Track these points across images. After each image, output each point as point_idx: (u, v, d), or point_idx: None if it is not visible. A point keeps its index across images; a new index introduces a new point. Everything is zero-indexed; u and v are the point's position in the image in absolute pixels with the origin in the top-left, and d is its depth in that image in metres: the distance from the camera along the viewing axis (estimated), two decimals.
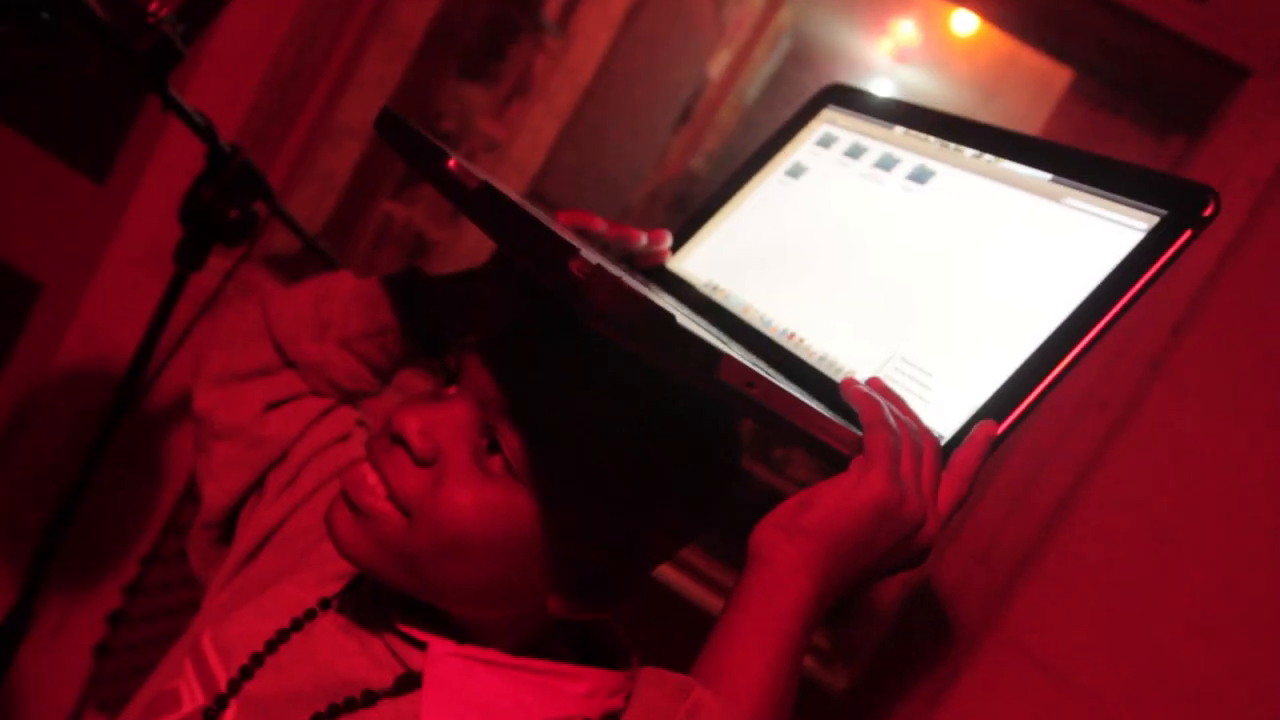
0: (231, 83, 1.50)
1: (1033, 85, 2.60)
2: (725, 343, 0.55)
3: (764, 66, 3.90)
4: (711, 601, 1.44)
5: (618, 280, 0.39)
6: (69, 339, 1.59)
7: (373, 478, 0.58)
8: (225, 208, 1.00)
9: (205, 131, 0.96)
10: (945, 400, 0.55)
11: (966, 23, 3.23)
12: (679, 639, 0.65)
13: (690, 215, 0.79)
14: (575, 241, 0.42)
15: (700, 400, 0.57)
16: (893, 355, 0.58)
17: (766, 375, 0.46)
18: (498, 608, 0.61)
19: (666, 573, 1.44)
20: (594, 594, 0.60)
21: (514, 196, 0.51)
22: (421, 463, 0.57)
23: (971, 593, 1.29)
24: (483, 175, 0.50)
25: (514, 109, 3.01)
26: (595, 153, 3.44)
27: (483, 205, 0.48)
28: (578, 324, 0.55)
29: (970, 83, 3.33)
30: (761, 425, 0.49)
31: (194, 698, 0.65)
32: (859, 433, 0.52)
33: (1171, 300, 1.25)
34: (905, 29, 3.41)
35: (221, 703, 0.64)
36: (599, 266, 0.39)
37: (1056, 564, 1.26)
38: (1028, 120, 2.66)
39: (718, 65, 3.78)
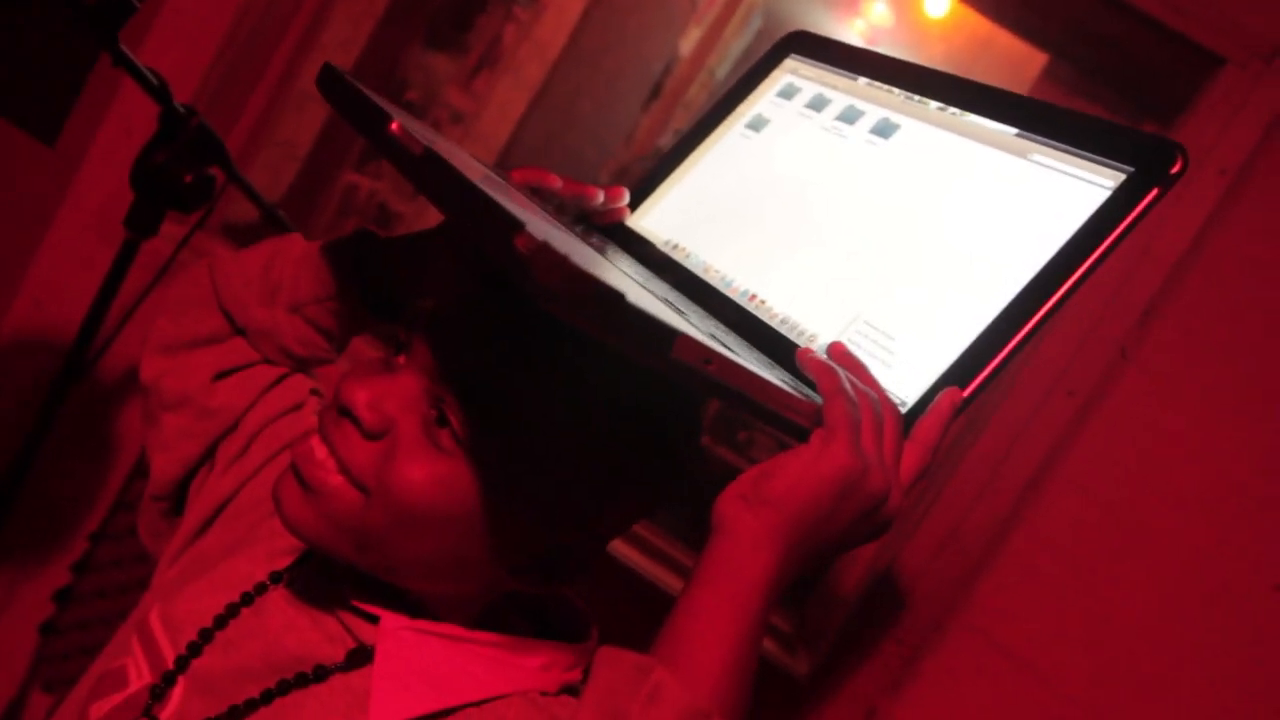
0: (189, 42, 1.45)
1: (1006, 69, 2.60)
2: (682, 313, 0.53)
3: (735, 44, 3.88)
4: (671, 581, 1.43)
5: (564, 258, 0.37)
6: (16, 306, 1.54)
7: (321, 452, 0.57)
8: (179, 172, 0.97)
9: (159, 91, 0.92)
10: (909, 364, 0.54)
11: (939, 4, 3.22)
12: (636, 619, 0.65)
13: (650, 170, 0.77)
14: (521, 215, 0.40)
15: (652, 378, 0.55)
16: (855, 318, 0.57)
17: (723, 351, 0.45)
18: (451, 582, 0.60)
19: (626, 552, 1.43)
20: (547, 568, 0.60)
21: (460, 163, 0.48)
22: (371, 436, 0.56)
23: (935, 577, 1.29)
24: (426, 140, 0.48)
25: (481, 80, 2.96)
26: (563, 127, 3.39)
27: (426, 172, 0.46)
28: (525, 301, 0.54)
29: (943, 65, 3.31)
30: (720, 401, 0.48)
31: (141, 675, 0.64)
32: (819, 403, 0.51)
33: (1140, 287, 1.25)
34: (878, 10, 3.40)
35: (169, 680, 0.63)
36: (544, 244, 0.37)
37: (1021, 550, 1.27)
38: None
39: (688, 42, 3.75)
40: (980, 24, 2.77)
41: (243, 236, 1.63)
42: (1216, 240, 1.23)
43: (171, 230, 1.10)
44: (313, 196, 2.29)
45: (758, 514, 0.51)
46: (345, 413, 0.57)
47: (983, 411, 1.33)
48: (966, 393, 0.53)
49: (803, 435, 0.51)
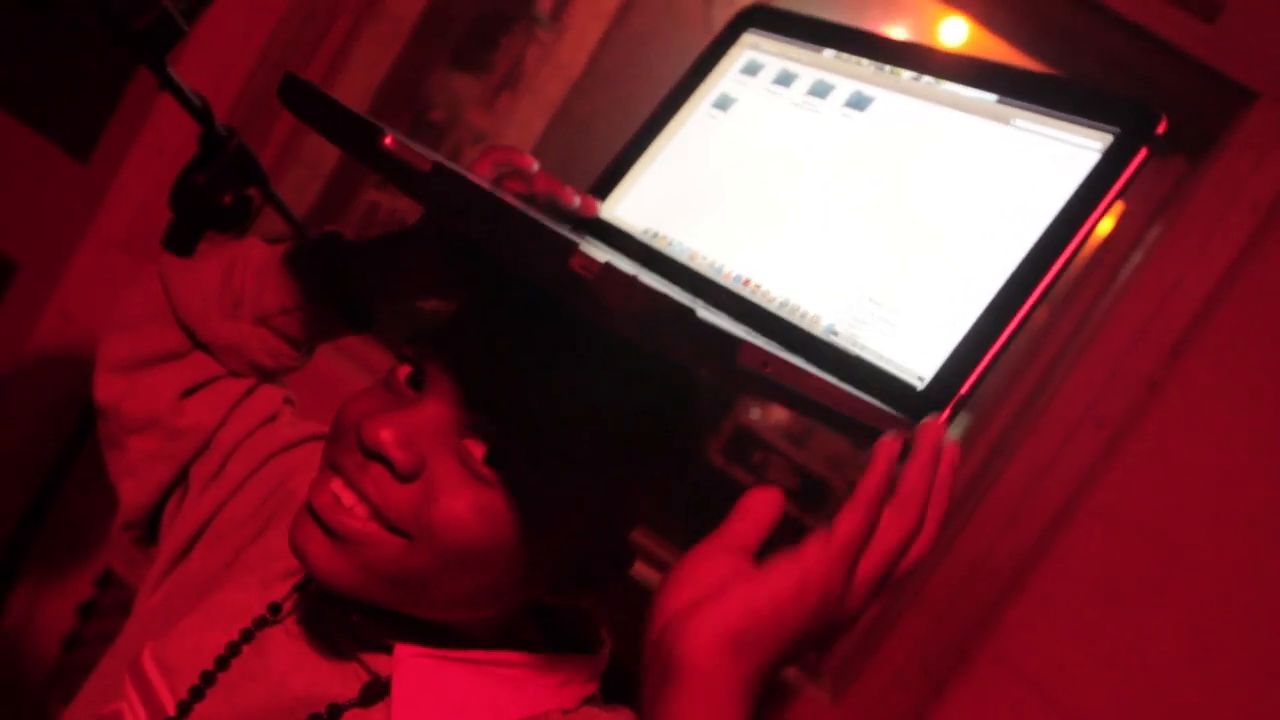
0: (222, 64, 1.46)
1: None
2: (731, 323, 0.52)
3: None
4: (650, 576, 1.42)
5: (633, 279, 0.36)
6: (45, 320, 1.55)
7: (349, 498, 0.53)
8: (219, 193, 0.97)
9: (202, 113, 0.92)
10: (916, 336, 0.53)
11: (955, 32, 3.23)
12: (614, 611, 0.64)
13: (613, 158, 0.74)
14: (568, 234, 0.39)
15: (664, 371, 0.57)
16: (859, 296, 0.55)
17: (779, 353, 0.44)
18: (485, 609, 0.58)
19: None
20: (583, 579, 0.58)
21: (473, 178, 0.46)
22: (405, 478, 0.52)
23: (962, 608, 1.29)
24: (430, 154, 0.45)
25: (503, 101, 2.98)
26: (581, 147, 3.41)
27: (439, 190, 0.43)
28: (544, 306, 0.54)
29: None
30: (777, 402, 0.47)
31: None
32: (886, 409, 0.49)
33: (1171, 320, 1.25)
34: (894, 36, 3.41)
35: None
36: (609, 265, 0.35)
37: (1049, 581, 1.26)
38: None
39: None
40: (994, 53, 2.78)
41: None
42: (1248, 274, 1.23)
43: (202, 248, 1.11)
44: (336, 213, 2.30)
45: (741, 661, 0.42)
46: (372, 455, 0.53)
47: (1010, 442, 1.33)
48: (976, 373, 0.50)
49: (865, 437, 0.48)
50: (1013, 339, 0.50)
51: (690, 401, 0.60)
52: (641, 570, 1.43)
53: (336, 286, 0.70)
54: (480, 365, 0.53)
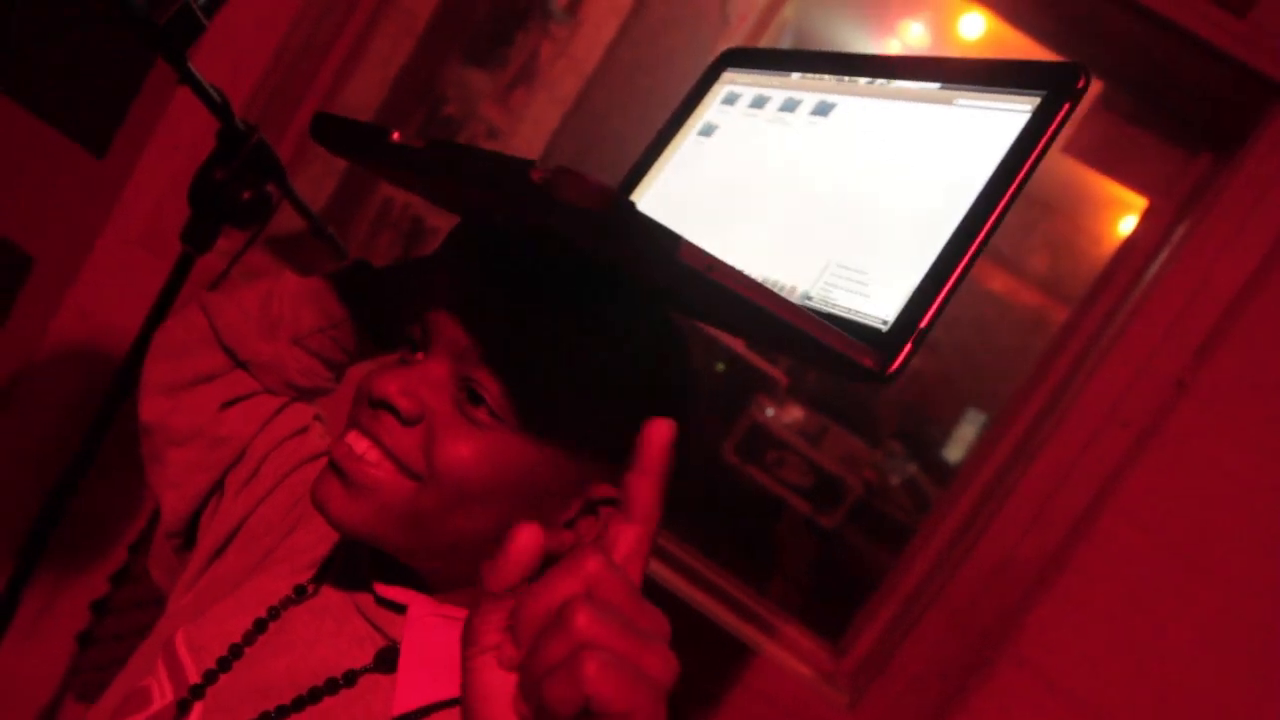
0: (238, 59, 1.46)
1: None
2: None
3: None
4: (682, 587, 1.42)
5: (579, 175, 0.41)
6: (61, 317, 1.54)
7: (362, 445, 0.59)
8: (238, 189, 0.96)
9: (222, 109, 0.92)
10: (882, 290, 0.59)
11: (974, 27, 3.20)
12: None
13: (617, 187, 0.82)
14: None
15: (651, 318, 0.62)
16: (829, 263, 0.62)
17: (724, 262, 0.48)
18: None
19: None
20: (593, 525, 0.62)
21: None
22: (409, 421, 0.58)
23: (983, 610, 1.27)
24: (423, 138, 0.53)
25: (517, 96, 2.97)
26: (595, 142, 3.40)
27: (437, 159, 0.50)
28: (533, 270, 0.60)
29: None
30: (732, 318, 0.51)
31: (164, 695, 0.65)
32: (832, 326, 0.52)
33: (1198, 319, 1.23)
34: (915, 31, 3.39)
35: (196, 693, 0.64)
36: (560, 167, 0.41)
37: (1072, 584, 1.24)
38: None
39: None
40: (1015, 48, 2.75)
41: (287, 249, 1.64)
42: (1277, 272, 1.21)
43: (220, 244, 1.10)
44: (350, 209, 2.30)
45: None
46: (379, 405, 0.59)
47: (1033, 442, 1.31)
48: (933, 309, 0.54)
49: (835, 365, 0.52)
50: (962, 279, 0.56)
51: (674, 356, 0.64)
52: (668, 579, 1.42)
53: (365, 308, 0.78)
54: (467, 323, 0.59)
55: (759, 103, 0.77)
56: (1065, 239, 3.37)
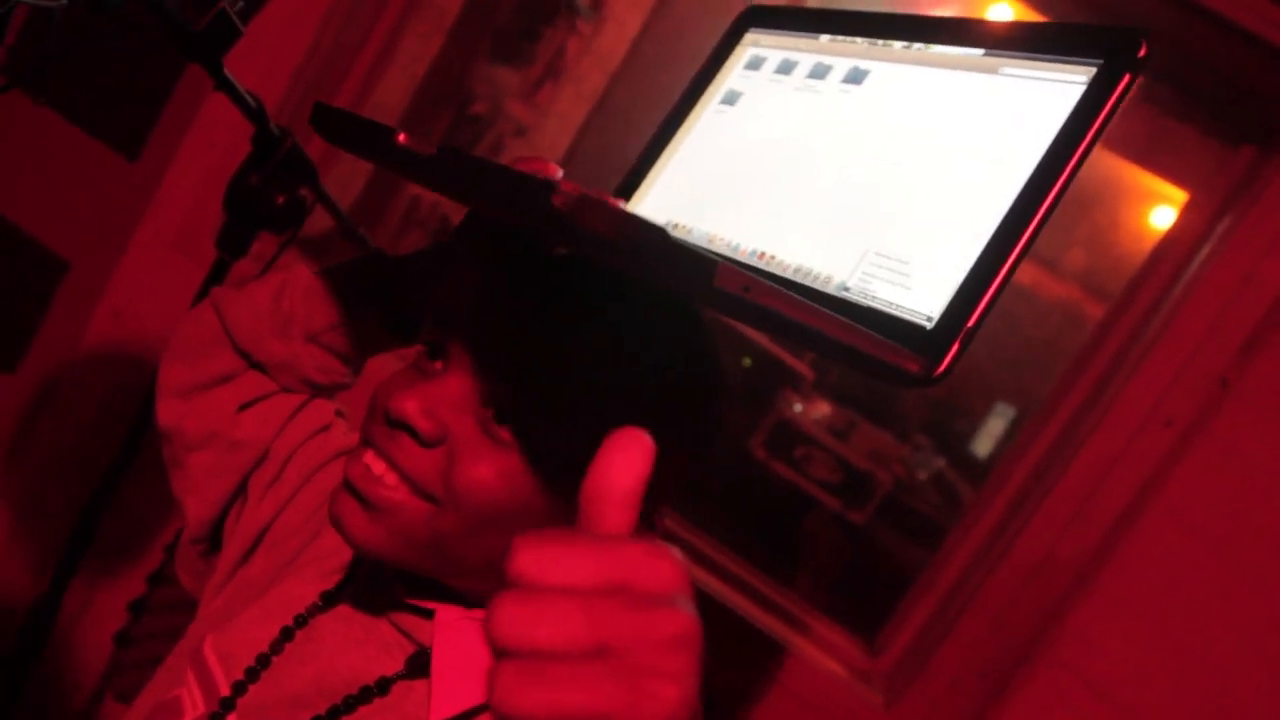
0: (270, 60, 1.46)
1: None
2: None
3: None
4: (717, 586, 1.41)
5: (603, 203, 0.38)
6: (96, 319, 1.56)
7: (379, 467, 0.57)
8: (272, 194, 0.96)
9: (257, 114, 0.92)
10: (927, 282, 0.54)
11: (1002, 17, 3.17)
12: None
13: (633, 164, 0.78)
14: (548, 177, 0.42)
15: (677, 331, 0.59)
16: (866, 252, 0.58)
17: (761, 279, 0.45)
18: None
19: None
20: None
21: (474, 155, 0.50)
22: (429, 444, 0.55)
23: (1021, 609, 1.25)
24: (435, 142, 0.50)
25: (544, 92, 2.96)
26: (621, 137, 3.39)
27: (445, 169, 0.47)
28: (558, 277, 0.57)
29: None
30: (769, 332, 0.48)
31: (195, 705, 0.64)
32: (879, 336, 0.48)
33: (1243, 315, 1.21)
34: (883, 11, 3.35)
35: (227, 706, 0.63)
36: (582, 194, 0.38)
37: (1113, 584, 1.22)
38: None
39: None
40: None
41: (320, 250, 1.64)
42: None
43: (254, 247, 1.10)
44: (379, 208, 2.30)
45: None
46: (398, 425, 0.56)
47: (1073, 440, 1.29)
48: (982, 305, 0.50)
49: (880, 372, 0.48)
50: (1014, 269, 0.52)
51: (706, 360, 0.61)
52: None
53: (381, 300, 0.75)
54: (496, 340, 0.56)
55: (786, 67, 0.71)
56: (1100, 232, 3.33)
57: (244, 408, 0.75)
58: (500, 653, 0.30)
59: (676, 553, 0.32)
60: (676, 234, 0.70)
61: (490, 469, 0.55)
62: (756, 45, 0.76)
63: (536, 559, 0.31)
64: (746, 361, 3.22)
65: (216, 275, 1.06)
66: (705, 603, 1.35)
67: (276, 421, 0.75)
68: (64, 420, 1.59)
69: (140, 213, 1.52)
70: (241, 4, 0.78)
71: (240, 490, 0.75)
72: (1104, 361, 1.35)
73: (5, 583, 1.62)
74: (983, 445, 3.75)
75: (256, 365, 0.75)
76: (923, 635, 1.35)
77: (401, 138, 0.50)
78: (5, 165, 1.61)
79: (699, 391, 0.61)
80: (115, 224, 1.54)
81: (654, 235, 0.39)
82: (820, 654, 1.38)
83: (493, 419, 0.55)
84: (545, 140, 3.04)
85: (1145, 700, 1.21)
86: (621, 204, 0.39)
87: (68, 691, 1.57)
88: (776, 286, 0.45)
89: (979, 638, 1.27)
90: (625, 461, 0.34)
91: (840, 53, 0.68)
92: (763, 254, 0.63)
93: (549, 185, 0.39)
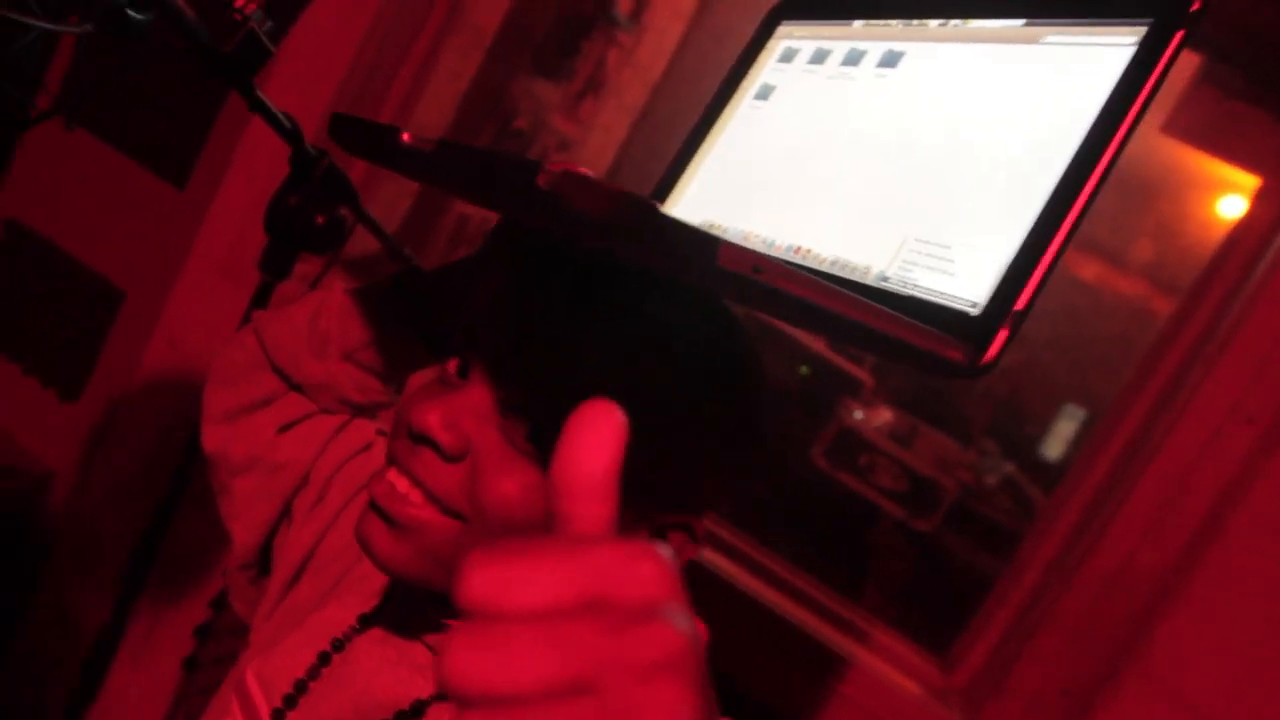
0: (308, 83, 1.46)
1: None
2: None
3: None
4: (764, 591, 1.37)
5: (588, 179, 0.36)
6: (152, 347, 1.57)
7: (403, 484, 0.55)
8: (312, 214, 0.96)
9: (292, 135, 0.91)
10: (970, 268, 0.51)
11: None
12: (723, 625, 0.59)
13: (669, 164, 0.77)
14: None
15: (705, 327, 0.55)
16: (905, 239, 0.55)
17: (773, 259, 0.41)
18: None
19: (716, 560, 1.38)
20: None
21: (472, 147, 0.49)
22: (452, 458, 0.54)
23: (1103, 622, 1.19)
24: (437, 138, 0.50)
25: (586, 106, 2.96)
26: (665, 148, 3.38)
27: (444, 161, 0.47)
28: (569, 274, 0.54)
29: None
30: (792, 320, 0.45)
31: None
32: (912, 320, 0.44)
33: None
34: None
35: None
36: (565, 171, 0.36)
37: (1202, 593, 1.15)
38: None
39: None
40: None
41: (366, 271, 1.64)
42: None
43: (299, 268, 1.10)
44: (427, 227, 2.31)
45: None
46: (420, 439, 0.54)
47: (1147, 443, 1.23)
48: (1030, 287, 0.47)
49: (922, 362, 0.44)
50: (1064, 248, 0.49)
51: (734, 358, 0.58)
52: (721, 564, 1.38)
53: (417, 316, 0.75)
54: (514, 345, 0.54)
55: (819, 57, 0.69)
56: (1167, 224, 3.21)
57: (284, 430, 0.75)
58: (460, 702, 0.25)
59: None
60: (715, 234, 0.68)
61: (515, 483, 0.53)
62: (789, 37, 0.74)
63: (491, 580, 0.26)
64: (804, 370, 3.16)
65: (260, 298, 1.06)
66: (766, 616, 1.31)
67: (317, 443, 0.75)
68: (125, 447, 1.61)
69: (190, 240, 1.54)
70: (270, 24, 0.77)
71: (284, 514, 0.75)
72: (1177, 358, 1.28)
73: (70, 611, 1.64)
74: (1053, 448, 3.64)
75: (296, 387, 0.76)
76: (999, 650, 1.29)
77: (405, 136, 0.50)
78: (61, 197, 1.64)
79: (729, 382, 0.57)
80: (167, 252, 1.56)
81: (645, 212, 0.36)
82: (892, 671, 1.33)
83: (513, 428, 0.53)
84: (589, 153, 3.03)
85: (1239, 715, 1.14)
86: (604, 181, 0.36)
87: (138, 717, 1.58)
88: (791, 266, 0.41)
89: (1059, 652, 1.21)
90: (594, 441, 0.29)
91: (874, 36, 0.66)
92: (799, 248, 0.61)
93: (534, 165, 0.37)
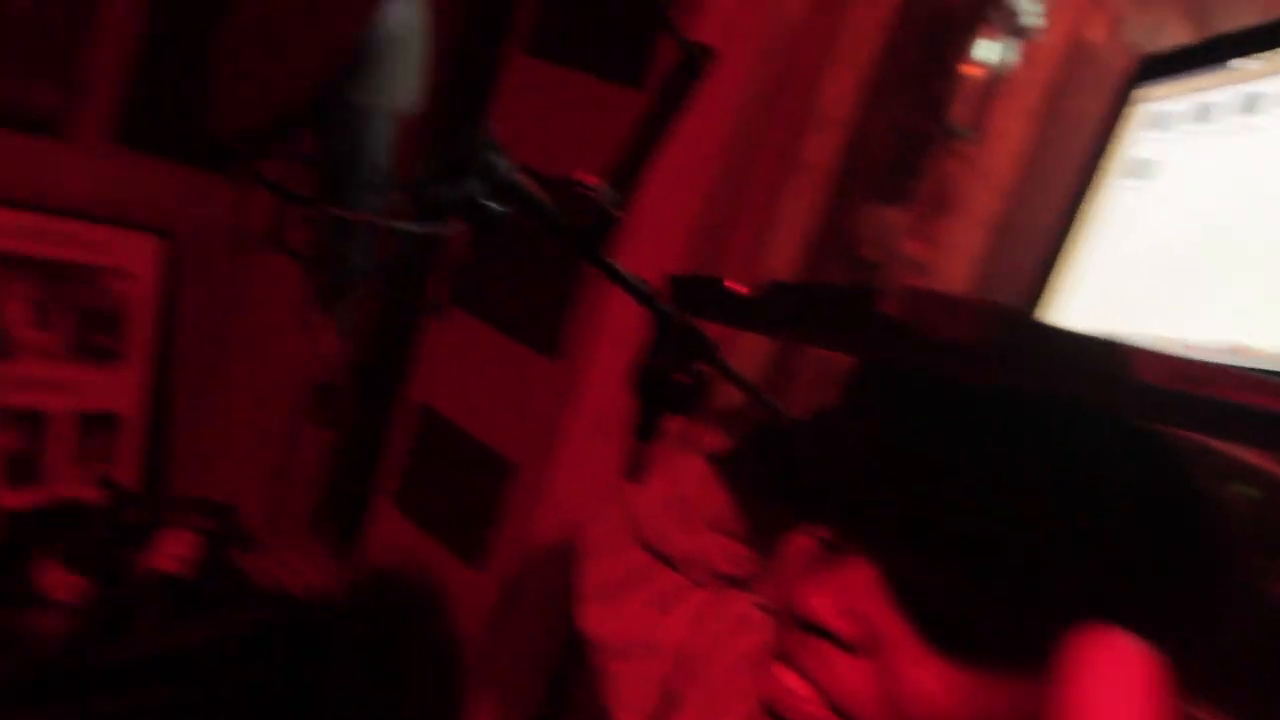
0: (658, 242, 1.52)
1: None
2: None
3: None
4: None
5: (946, 298, 0.30)
6: (542, 516, 1.67)
7: (803, 687, 0.46)
8: (674, 374, 0.96)
9: (646, 297, 0.93)
10: None
11: None
12: None
13: (1036, 273, 0.69)
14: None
15: (1138, 443, 0.40)
16: None
17: (1208, 363, 0.31)
18: None
19: None
20: None
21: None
22: (853, 649, 0.45)
23: None
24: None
25: (935, 225, 2.86)
26: (1028, 259, 3.16)
27: (777, 304, 0.45)
28: (960, 422, 0.42)
29: None
30: (1245, 438, 0.35)
31: None
32: None
33: None
34: None
35: None
36: (912, 289, 0.31)
37: None
38: None
39: None
40: None
41: (734, 421, 1.64)
42: None
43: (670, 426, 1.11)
44: (789, 372, 2.30)
45: None
46: (810, 628, 0.45)
47: None
48: None
49: None
50: None
51: (1185, 503, 0.42)
52: None
53: (780, 476, 0.70)
54: (897, 510, 0.44)
55: (1202, 114, 0.59)
56: None
57: (658, 607, 0.73)
58: None
59: None
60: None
61: (939, 682, 0.42)
62: (1151, 101, 0.64)
63: None
64: (1249, 491, 2.65)
65: (631, 463, 1.07)
66: None
67: (691, 620, 0.71)
68: (525, 617, 1.70)
69: (564, 409, 1.63)
70: (615, 193, 0.79)
71: (665, 699, 0.71)
72: None
73: None
74: None
75: (664, 560, 0.74)
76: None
77: (726, 283, 0.49)
78: (454, 377, 1.83)
79: (1184, 538, 0.43)
80: (547, 423, 1.67)
81: (1022, 325, 0.31)
82: None
83: (919, 611, 0.44)
84: (945, 275, 2.91)
85: None
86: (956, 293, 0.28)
87: None
88: (1239, 371, 0.31)
89: None
90: (1103, 680, 0.25)
91: (1269, 74, 0.55)
92: (1235, 347, 0.50)
93: (869, 292, 0.32)
